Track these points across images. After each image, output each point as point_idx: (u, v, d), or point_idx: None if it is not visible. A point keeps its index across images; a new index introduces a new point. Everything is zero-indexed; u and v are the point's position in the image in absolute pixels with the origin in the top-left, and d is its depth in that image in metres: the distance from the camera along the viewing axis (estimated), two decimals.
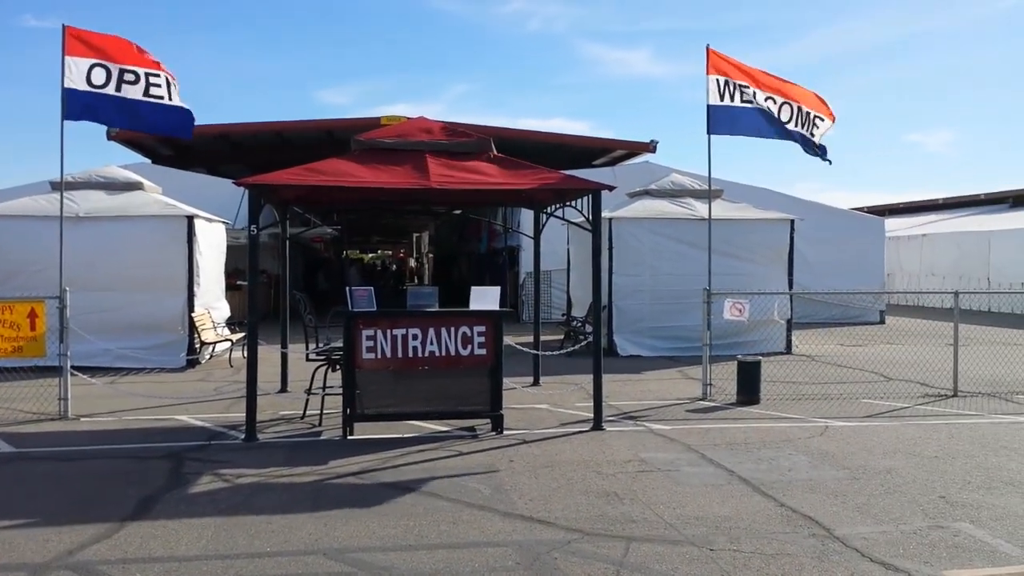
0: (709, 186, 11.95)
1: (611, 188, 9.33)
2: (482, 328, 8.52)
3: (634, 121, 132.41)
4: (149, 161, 25.07)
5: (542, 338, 12.56)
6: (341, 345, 8.67)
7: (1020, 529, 5.69)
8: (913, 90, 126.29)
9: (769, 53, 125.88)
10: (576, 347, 12.91)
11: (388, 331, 8.33)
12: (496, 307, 8.90)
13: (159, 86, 9.65)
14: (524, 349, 11.78)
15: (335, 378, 9.15)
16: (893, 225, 30.68)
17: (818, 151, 11.47)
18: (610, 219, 14.98)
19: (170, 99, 9.68)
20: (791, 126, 11.25)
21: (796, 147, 11.39)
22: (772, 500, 6.39)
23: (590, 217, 9.30)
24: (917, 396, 11.13)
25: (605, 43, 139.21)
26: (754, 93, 11.03)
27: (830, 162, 11.58)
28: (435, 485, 6.77)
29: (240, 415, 8.76)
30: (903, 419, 9.60)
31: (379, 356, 8.33)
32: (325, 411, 9.26)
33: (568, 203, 10.41)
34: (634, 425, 9.23)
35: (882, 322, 22.36)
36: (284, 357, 11.31)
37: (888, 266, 26.11)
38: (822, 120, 11.44)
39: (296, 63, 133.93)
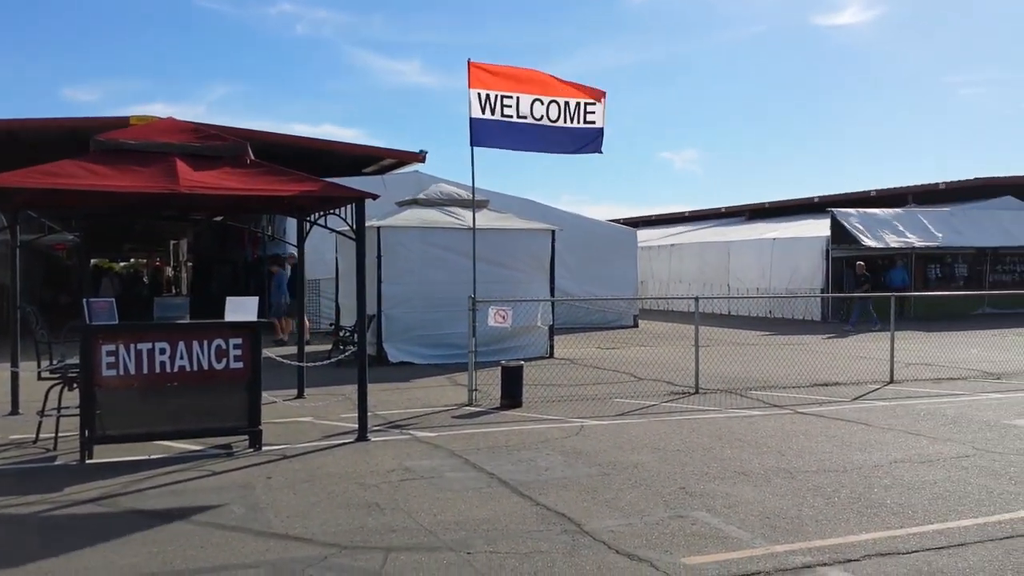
0: (473, 196, 12.22)
1: (375, 196, 9.23)
2: (238, 340, 8.13)
3: (405, 130, 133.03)
4: None
5: (311, 348, 12.24)
6: (78, 362, 7.96)
7: (750, 516, 6.20)
8: (664, 112, 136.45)
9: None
10: (343, 356, 12.68)
11: (132, 346, 7.73)
12: (254, 318, 8.55)
13: None
14: (287, 361, 11.41)
15: (74, 398, 8.38)
16: (645, 236, 32.96)
17: (593, 143, 11.93)
18: (379, 227, 14.89)
19: None
20: (561, 123, 11.68)
21: (560, 159, 11.94)
22: (529, 500, 6.59)
23: (354, 226, 9.17)
24: (664, 394, 11.95)
25: (375, 51, 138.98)
26: (517, 100, 11.36)
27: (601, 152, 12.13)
28: (183, 508, 6.36)
29: None
30: (651, 416, 10.27)
31: (122, 373, 7.72)
32: (62, 434, 8.45)
33: (333, 211, 10.21)
34: (400, 434, 9.20)
35: (636, 326, 23.87)
36: (15, 376, 10.24)
37: (641, 274, 28.05)
38: (593, 104, 11.95)
39: (40, 58, 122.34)
